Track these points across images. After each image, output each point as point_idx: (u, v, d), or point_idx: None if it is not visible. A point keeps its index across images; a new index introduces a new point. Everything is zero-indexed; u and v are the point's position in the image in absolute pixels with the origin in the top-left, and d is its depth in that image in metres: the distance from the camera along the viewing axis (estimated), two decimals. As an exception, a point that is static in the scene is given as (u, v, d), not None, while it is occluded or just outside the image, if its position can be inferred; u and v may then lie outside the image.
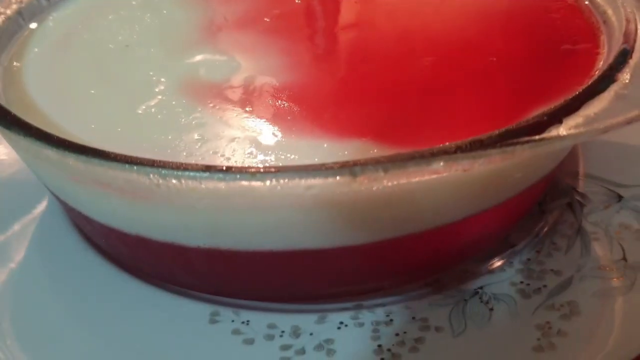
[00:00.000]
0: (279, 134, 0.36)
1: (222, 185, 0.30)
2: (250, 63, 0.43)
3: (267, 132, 0.36)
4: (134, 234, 0.36)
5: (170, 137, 0.36)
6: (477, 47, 0.42)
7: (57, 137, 0.32)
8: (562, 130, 0.31)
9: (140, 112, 0.38)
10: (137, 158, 0.30)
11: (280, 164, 0.33)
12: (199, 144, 0.35)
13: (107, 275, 0.41)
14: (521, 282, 0.38)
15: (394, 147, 0.34)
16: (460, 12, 0.47)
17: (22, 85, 0.42)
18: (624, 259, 0.39)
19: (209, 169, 0.29)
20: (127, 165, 0.30)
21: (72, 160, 0.31)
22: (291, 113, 0.38)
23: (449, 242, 0.38)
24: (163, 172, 0.30)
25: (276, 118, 0.37)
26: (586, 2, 0.45)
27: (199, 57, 0.44)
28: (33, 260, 0.42)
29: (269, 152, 0.35)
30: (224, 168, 0.30)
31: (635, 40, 0.38)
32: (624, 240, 0.40)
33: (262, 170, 0.29)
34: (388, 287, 0.39)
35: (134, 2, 0.51)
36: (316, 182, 0.29)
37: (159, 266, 0.39)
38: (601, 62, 0.39)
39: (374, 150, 0.34)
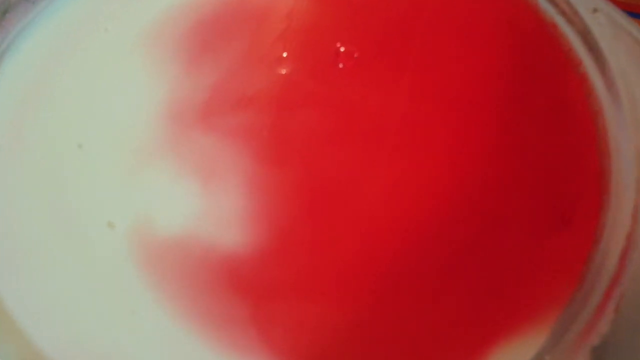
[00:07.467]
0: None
1: None
2: (209, 199, 0.39)
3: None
4: None
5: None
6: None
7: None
8: None
9: (94, 295, 0.36)
10: None
11: None
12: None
13: None
14: None
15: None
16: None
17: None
18: None
19: None
20: None
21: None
22: (238, 316, 0.35)
23: None
24: None
25: (228, 323, 0.35)
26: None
27: (154, 182, 0.39)
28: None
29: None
30: None
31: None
32: None
33: None
34: None
35: (92, 59, 0.45)
36: None
37: None
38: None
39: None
